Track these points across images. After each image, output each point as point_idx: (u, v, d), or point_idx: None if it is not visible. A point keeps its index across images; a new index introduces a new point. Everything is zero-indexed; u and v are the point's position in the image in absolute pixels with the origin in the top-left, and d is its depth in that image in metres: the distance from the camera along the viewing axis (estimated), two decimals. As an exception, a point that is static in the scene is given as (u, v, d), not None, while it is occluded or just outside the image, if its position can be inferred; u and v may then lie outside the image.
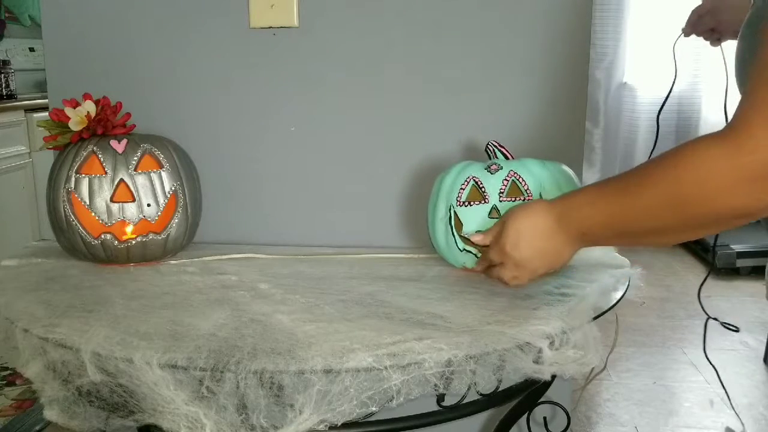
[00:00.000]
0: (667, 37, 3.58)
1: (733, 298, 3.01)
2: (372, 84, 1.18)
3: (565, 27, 1.13)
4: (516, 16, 1.13)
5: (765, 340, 2.48)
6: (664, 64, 3.60)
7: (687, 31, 1.32)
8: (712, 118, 3.60)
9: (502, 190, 0.95)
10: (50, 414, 0.82)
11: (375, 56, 1.17)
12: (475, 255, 0.98)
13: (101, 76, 1.22)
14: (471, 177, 0.97)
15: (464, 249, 0.98)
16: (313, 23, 1.17)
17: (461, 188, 0.97)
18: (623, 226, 0.77)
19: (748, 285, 3.18)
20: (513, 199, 0.95)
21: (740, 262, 3.28)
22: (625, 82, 3.66)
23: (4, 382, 2.12)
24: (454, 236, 0.98)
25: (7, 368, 2.17)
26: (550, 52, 1.14)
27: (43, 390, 0.82)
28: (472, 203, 0.96)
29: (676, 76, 1.29)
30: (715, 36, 1.35)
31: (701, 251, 3.45)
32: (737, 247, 3.28)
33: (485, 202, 0.96)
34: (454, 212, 0.98)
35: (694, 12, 1.34)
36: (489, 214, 0.96)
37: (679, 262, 3.34)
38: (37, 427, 1.85)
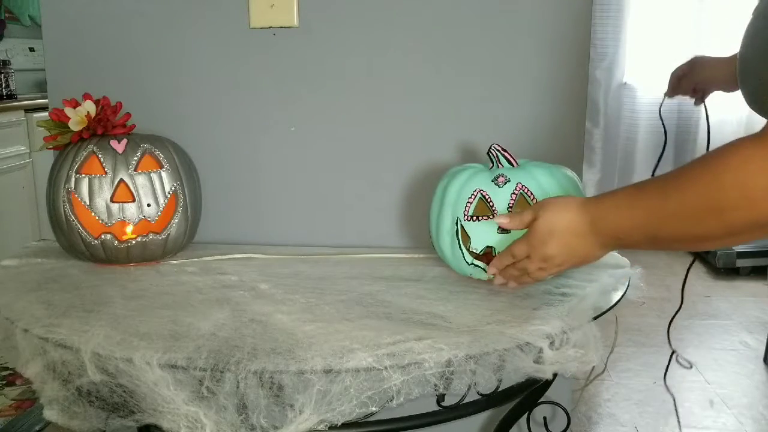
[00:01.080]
0: (668, 37, 3.59)
1: (733, 298, 3.01)
2: (372, 84, 1.18)
3: (565, 27, 1.13)
4: (516, 17, 1.13)
5: (765, 340, 2.48)
6: (664, 64, 3.60)
7: (670, 94, 1.34)
8: (712, 118, 3.59)
9: (510, 205, 0.94)
10: (50, 414, 0.82)
11: (375, 56, 1.17)
12: (483, 269, 0.96)
13: (101, 76, 1.22)
14: (478, 190, 0.95)
15: (472, 263, 0.97)
16: (313, 23, 1.17)
17: (468, 202, 0.95)
18: (660, 231, 0.75)
19: (748, 285, 3.18)
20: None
21: (740, 262, 3.28)
22: (625, 82, 3.66)
23: (4, 382, 2.12)
24: (461, 250, 0.97)
25: (7, 368, 2.17)
26: (550, 52, 1.14)
27: (43, 390, 0.82)
28: (480, 218, 0.95)
29: (666, 138, 1.31)
30: (698, 95, 1.36)
31: (701, 251, 3.45)
32: (737, 247, 3.28)
33: (494, 217, 0.95)
34: (461, 226, 0.96)
35: (673, 75, 1.35)
36: (498, 229, 0.94)
37: (679, 263, 3.34)
38: (37, 427, 1.85)
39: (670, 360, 1.24)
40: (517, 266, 0.90)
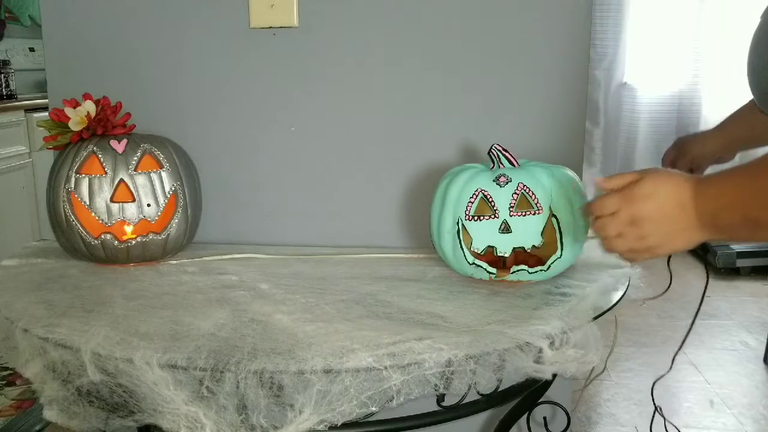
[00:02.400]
0: (668, 37, 3.59)
1: (734, 298, 3.01)
2: (372, 84, 1.18)
3: (565, 27, 1.13)
4: (516, 17, 1.13)
5: (765, 340, 2.48)
6: (664, 64, 3.60)
7: None
8: (713, 117, 3.59)
9: (512, 205, 0.94)
10: (50, 414, 0.82)
11: (375, 56, 1.17)
12: (485, 269, 0.97)
13: (101, 76, 1.22)
14: (479, 190, 0.95)
15: (474, 263, 0.97)
16: (313, 23, 1.17)
17: (470, 201, 0.95)
18: (759, 210, 0.71)
19: (748, 285, 3.18)
20: (523, 213, 0.94)
21: (740, 262, 3.28)
22: (625, 82, 3.66)
23: (4, 382, 2.12)
24: (462, 250, 0.97)
25: (7, 368, 2.17)
26: (550, 52, 1.14)
27: (42, 390, 0.82)
28: (481, 218, 0.95)
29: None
30: (697, 174, 1.35)
31: (701, 251, 3.45)
32: (737, 247, 3.28)
33: (495, 217, 0.94)
34: (462, 225, 0.96)
35: (665, 162, 1.32)
36: (499, 228, 0.95)
37: (679, 263, 3.34)
38: (37, 427, 1.85)
39: (652, 419, 1.19)
40: (595, 225, 0.83)
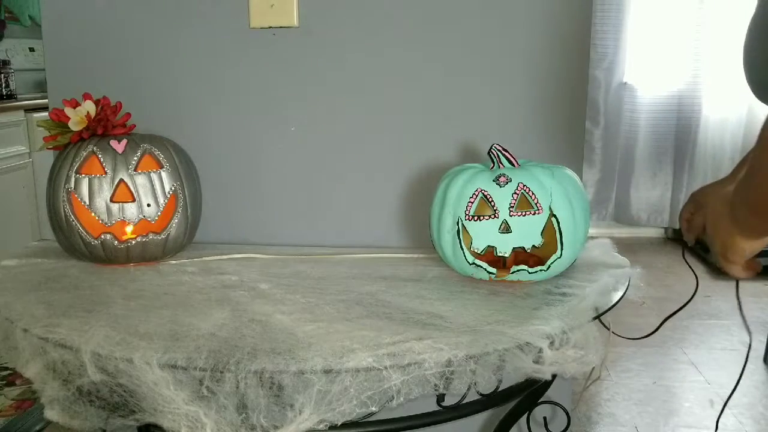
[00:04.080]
0: (668, 37, 3.59)
1: (734, 298, 3.00)
2: (372, 84, 1.18)
3: (565, 27, 1.13)
4: (516, 17, 1.13)
5: (765, 340, 2.48)
6: (664, 64, 3.61)
7: (689, 239, 1.27)
8: (713, 117, 3.60)
9: (512, 204, 0.94)
10: (51, 414, 0.82)
11: (375, 56, 1.17)
12: (485, 269, 0.97)
13: (101, 76, 1.22)
14: (479, 190, 0.95)
15: (474, 263, 0.97)
16: (313, 23, 1.17)
17: (470, 201, 0.95)
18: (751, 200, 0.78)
19: (748, 285, 3.17)
20: (523, 213, 0.94)
21: (740, 262, 3.28)
22: (625, 82, 3.66)
23: (4, 382, 2.12)
24: (462, 249, 0.97)
25: (7, 368, 2.17)
26: (550, 52, 1.14)
27: (43, 390, 0.82)
28: (481, 218, 0.95)
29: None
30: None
31: (701, 251, 3.44)
32: (737, 247, 3.27)
33: (495, 216, 0.94)
34: (462, 225, 0.96)
35: (682, 220, 1.30)
36: (499, 228, 0.94)
37: (679, 262, 3.34)
38: (37, 427, 1.85)
39: None
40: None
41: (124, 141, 1.06)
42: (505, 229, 0.94)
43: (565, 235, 0.94)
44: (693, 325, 2.67)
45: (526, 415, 1.03)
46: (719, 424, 1.84)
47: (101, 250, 1.05)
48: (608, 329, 0.94)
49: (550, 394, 1.00)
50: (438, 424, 0.86)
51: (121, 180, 1.03)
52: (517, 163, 1.00)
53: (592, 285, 0.95)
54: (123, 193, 1.04)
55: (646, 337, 1.06)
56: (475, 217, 0.95)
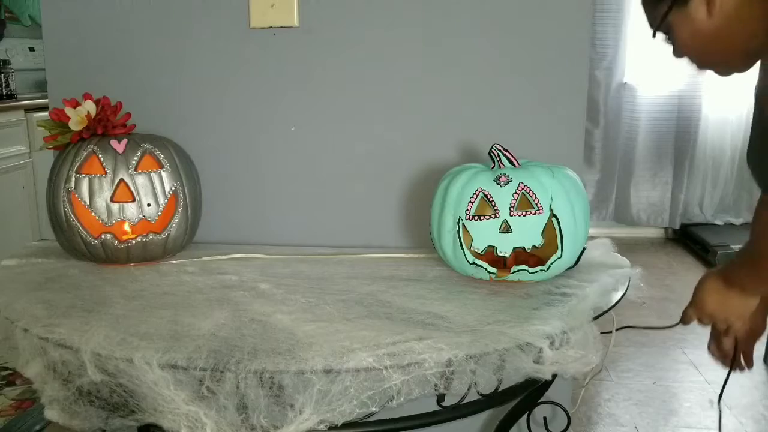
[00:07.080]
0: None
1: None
2: (372, 84, 1.18)
3: (565, 27, 1.13)
4: (516, 17, 1.13)
5: (765, 340, 2.48)
6: (664, 64, 3.60)
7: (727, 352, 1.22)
8: (713, 117, 3.59)
9: (512, 204, 0.94)
10: (51, 414, 0.82)
11: (375, 56, 1.17)
12: (485, 269, 0.97)
13: (101, 76, 1.22)
14: (480, 189, 0.95)
15: (474, 263, 0.97)
16: (313, 23, 1.17)
17: (470, 201, 0.95)
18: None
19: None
20: (524, 213, 0.94)
21: (740, 262, 3.27)
22: (625, 82, 3.66)
23: (4, 382, 2.12)
24: (462, 249, 0.96)
25: (7, 368, 2.17)
26: (550, 52, 1.14)
27: (43, 390, 0.82)
28: (482, 218, 0.95)
29: None
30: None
31: (701, 251, 3.44)
32: (737, 247, 3.27)
33: (496, 216, 0.94)
34: (463, 225, 0.96)
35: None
36: (500, 228, 0.94)
37: (679, 262, 3.34)
38: (37, 427, 1.85)
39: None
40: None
41: (125, 141, 1.06)
42: (506, 229, 0.94)
43: (565, 235, 0.94)
44: (693, 325, 2.66)
45: (526, 415, 1.03)
46: (719, 425, 1.84)
47: (101, 250, 1.05)
48: (613, 325, 0.94)
49: (550, 394, 1.00)
50: (438, 424, 0.86)
51: (122, 180, 1.03)
52: (518, 163, 1.00)
53: (592, 285, 0.95)
54: (123, 193, 1.04)
55: (671, 327, 1.09)
56: (476, 217, 0.95)
